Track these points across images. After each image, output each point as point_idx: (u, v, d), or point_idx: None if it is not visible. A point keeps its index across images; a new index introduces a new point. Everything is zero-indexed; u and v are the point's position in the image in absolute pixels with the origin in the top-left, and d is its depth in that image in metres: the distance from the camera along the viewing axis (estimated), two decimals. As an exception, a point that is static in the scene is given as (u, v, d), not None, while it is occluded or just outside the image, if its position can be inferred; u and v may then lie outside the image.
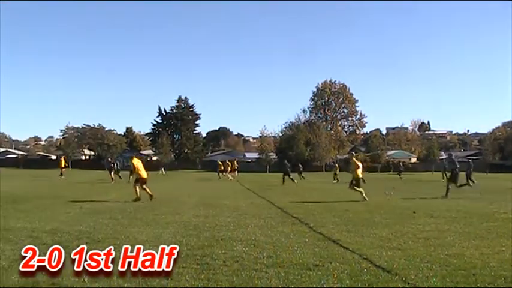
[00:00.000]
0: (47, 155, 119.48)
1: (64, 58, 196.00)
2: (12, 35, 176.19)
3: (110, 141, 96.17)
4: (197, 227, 10.69)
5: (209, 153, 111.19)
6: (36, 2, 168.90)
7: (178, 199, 18.47)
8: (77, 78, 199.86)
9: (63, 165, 45.07)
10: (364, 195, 18.32)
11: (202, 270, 6.45)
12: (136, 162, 18.01)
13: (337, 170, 41.36)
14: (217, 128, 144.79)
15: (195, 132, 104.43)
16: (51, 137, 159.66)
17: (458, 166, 21.15)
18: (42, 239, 8.68)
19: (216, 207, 15.62)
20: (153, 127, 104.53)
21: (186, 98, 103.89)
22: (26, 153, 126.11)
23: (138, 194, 17.30)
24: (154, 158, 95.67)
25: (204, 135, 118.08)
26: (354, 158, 20.83)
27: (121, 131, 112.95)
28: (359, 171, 19.36)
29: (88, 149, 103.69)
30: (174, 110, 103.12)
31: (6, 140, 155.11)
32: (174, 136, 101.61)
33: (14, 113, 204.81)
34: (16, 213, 12.99)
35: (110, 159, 42.58)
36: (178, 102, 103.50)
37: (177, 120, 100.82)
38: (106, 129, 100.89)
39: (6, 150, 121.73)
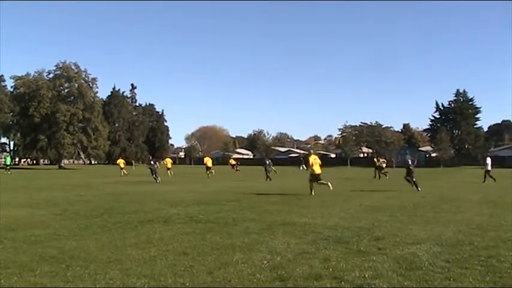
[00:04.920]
0: (327, 153, 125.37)
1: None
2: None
3: (388, 139, 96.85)
4: (481, 226, 10.06)
5: (492, 149, 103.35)
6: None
7: (459, 197, 17.44)
8: (352, 78, 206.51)
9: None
10: None
11: (487, 272, 5.97)
12: (313, 159, 18.74)
13: None
14: (499, 122, 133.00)
15: (475, 126, 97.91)
16: (330, 136, 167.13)
17: None
18: (324, 234, 9.03)
19: (502, 206, 14.60)
20: (430, 123, 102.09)
21: (464, 91, 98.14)
22: (306, 152, 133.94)
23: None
24: (434, 155, 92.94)
25: (485, 129, 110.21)
26: None
27: (398, 128, 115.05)
28: None
29: (366, 146, 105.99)
30: (453, 104, 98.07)
31: (288, 140, 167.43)
32: (454, 131, 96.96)
33: (296, 115, 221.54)
34: (300, 209, 13.73)
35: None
36: (456, 96, 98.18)
37: (456, 115, 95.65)
38: (383, 126, 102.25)
39: (289, 150, 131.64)
